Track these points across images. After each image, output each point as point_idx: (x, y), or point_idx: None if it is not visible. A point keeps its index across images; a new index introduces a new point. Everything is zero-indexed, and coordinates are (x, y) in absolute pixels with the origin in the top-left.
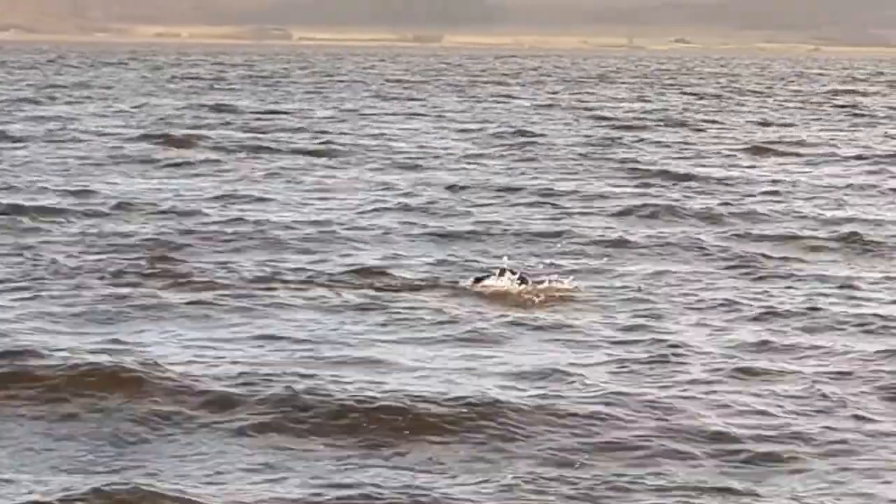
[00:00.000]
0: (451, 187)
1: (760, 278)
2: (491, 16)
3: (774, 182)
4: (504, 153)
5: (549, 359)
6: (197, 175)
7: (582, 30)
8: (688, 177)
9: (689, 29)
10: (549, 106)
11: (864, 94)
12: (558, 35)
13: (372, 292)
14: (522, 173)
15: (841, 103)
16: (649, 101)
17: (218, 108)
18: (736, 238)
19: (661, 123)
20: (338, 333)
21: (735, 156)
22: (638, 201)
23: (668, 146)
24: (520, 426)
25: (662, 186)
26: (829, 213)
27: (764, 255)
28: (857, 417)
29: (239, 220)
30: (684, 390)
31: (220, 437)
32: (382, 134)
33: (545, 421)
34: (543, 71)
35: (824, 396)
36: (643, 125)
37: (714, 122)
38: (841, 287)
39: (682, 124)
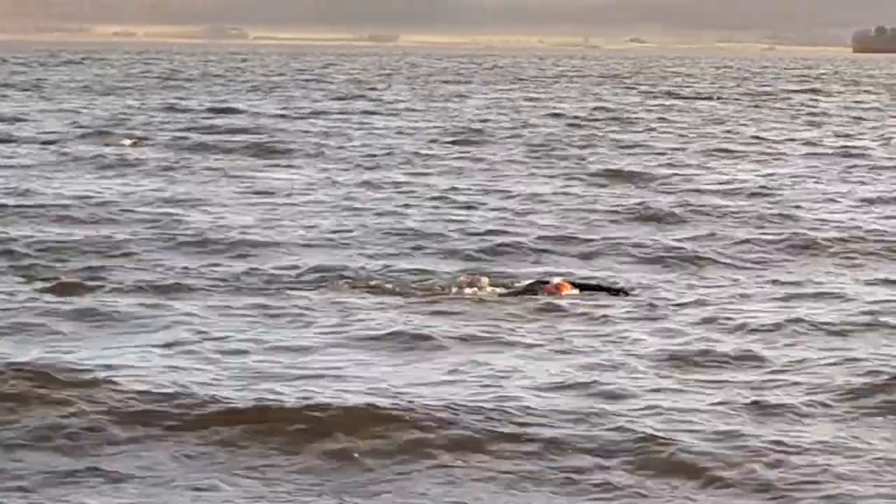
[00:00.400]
0: (400, 186)
1: (706, 279)
2: (447, 15)
3: (727, 182)
4: (456, 152)
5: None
6: (143, 175)
7: (538, 29)
8: (638, 176)
9: (644, 28)
10: (503, 105)
11: (818, 93)
12: (514, 34)
13: (316, 296)
14: (471, 172)
15: (795, 102)
16: (603, 100)
17: (169, 108)
18: (689, 240)
19: (615, 122)
20: (275, 340)
21: (688, 155)
22: (587, 200)
23: (621, 145)
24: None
25: (613, 186)
26: (777, 213)
27: (714, 256)
28: (793, 423)
29: (178, 221)
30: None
31: (151, 452)
32: (335, 133)
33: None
34: (499, 70)
35: (757, 404)
36: (595, 124)
37: (666, 120)
38: (788, 290)
39: (635, 122)
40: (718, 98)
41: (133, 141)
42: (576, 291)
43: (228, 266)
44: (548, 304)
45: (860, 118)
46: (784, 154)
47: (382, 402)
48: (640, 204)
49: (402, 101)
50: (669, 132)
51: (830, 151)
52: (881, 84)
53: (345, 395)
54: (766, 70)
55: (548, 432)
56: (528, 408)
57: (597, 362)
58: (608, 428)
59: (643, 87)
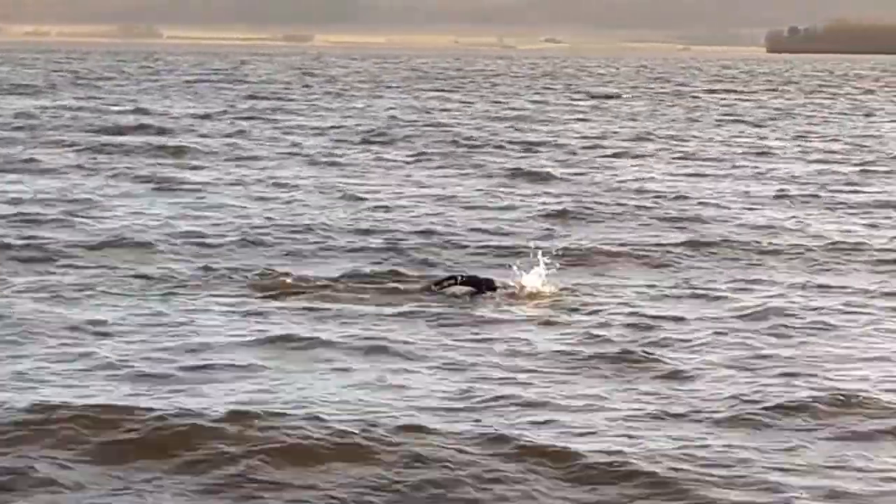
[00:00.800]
0: (306, 185)
1: (609, 279)
2: (362, 16)
3: (629, 182)
4: (364, 151)
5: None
6: (45, 176)
7: (453, 29)
8: (543, 176)
9: (559, 28)
10: (414, 105)
11: (731, 93)
12: (429, 34)
13: (209, 298)
14: (377, 172)
15: (708, 101)
16: (518, 99)
17: (74, 108)
18: (587, 241)
19: (526, 122)
20: (163, 344)
21: (597, 154)
22: (493, 200)
23: (531, 145)
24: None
25: (519, 185)
26: (680, 215)
27: (619, 256)
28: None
29: (69, 225)
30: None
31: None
32: (244, 133)
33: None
34: (413, 70)
35: (667, 413)
36: (508, 124)
37: (583, 121)
38: (691, 291)
39: (548, 122)
40: (632, 97)
41: (37, 140)
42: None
43: (129, 268)
44: (442, 307)
45: (772, 117)
46: (693, 154)
47: (249, 408)
48: (545, 203)
49: (314, 100)
50: (580, 131)
51: (741, 150)
52: (791, 83)
53: (210, 402)
54: (681, 69)
55: (417, 444)
56: (402, 415)
57: (485, 367)
58: (489, 435)
59: (556, 87)
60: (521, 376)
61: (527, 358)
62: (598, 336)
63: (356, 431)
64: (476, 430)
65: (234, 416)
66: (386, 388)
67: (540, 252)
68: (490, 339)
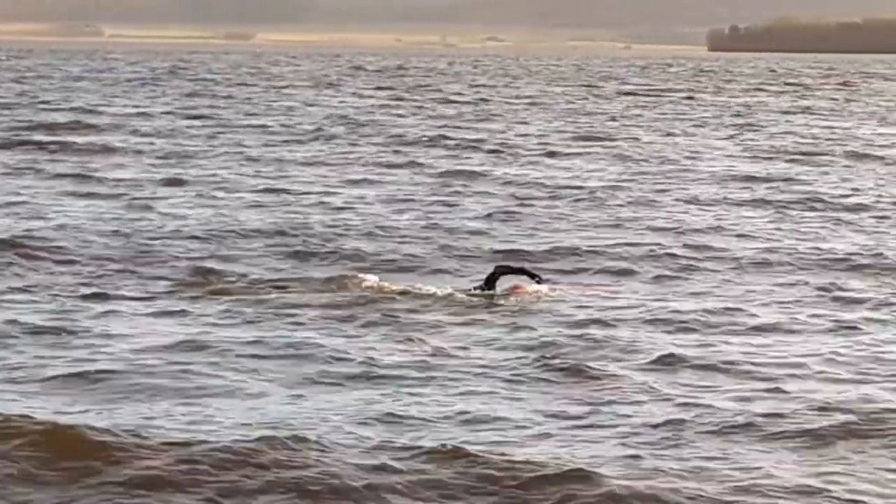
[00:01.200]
0: (232, 186)
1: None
2: (304, 14)
3: (558, 181)
4: (301, 151)
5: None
6: None
7: (396, 28)
8: (472, 174)
9: (501, 27)
10: (356, 104)
11: (665, 92)
12: (372, 33)
13: (103, 305)
14: (314, 170)
15: (641, 102)
16: (462, 97)
17: (10, 105)
18: (528, 241)
19: (471, 120)
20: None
21: (535, 152)
22: (427, 200)
23: (468, 145)
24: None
25: (457, 184)
26: (596, 218)
27: (541, 260)
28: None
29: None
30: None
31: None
32: (178, 131)
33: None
34: (354, 69)
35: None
36: (443, 121)
37: (516, 119)
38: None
39: (491, 120)
40: (568, 95)
41: None
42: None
43: (46, 268)
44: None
45: (709, 117)
46: (623, 154)
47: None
48: (477, 203)
49: (254, 99)
50: (518, 129)
51: (671, 150)
52: (724, 81)
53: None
54: (621, 68)
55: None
56: (309, 430)
57: (403, 371)
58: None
59: (497, 86)
60: (451, 384)
61: (452, 365)
62: (534, 343)
63: (252, 448)
64: (395, 443)
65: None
66: (295, 399)
67: (464, 253)
68: (410, 344)
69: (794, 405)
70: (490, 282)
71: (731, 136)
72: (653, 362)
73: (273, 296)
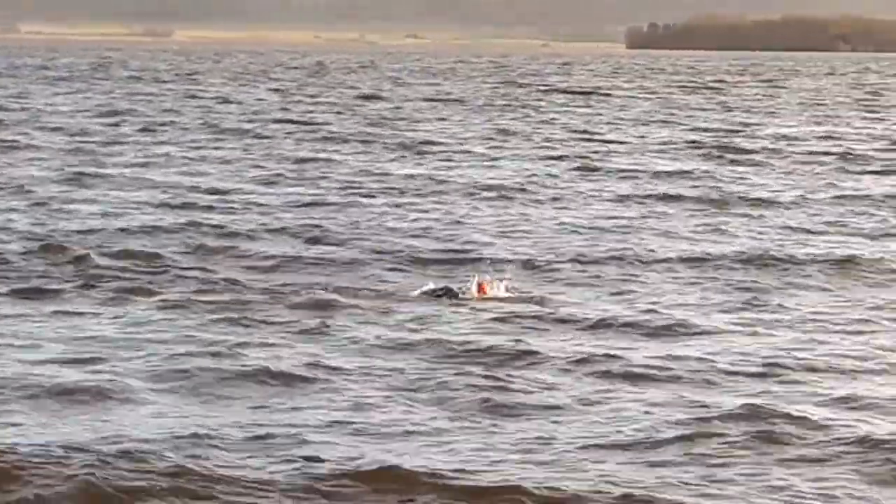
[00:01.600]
0: (121, 182)
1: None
2: (223, 11)
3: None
4: (213, 149)
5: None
6: None
7: (315, 25)
8: (386, 173)
9: (421, 24)
10: (270, 100)
11: (583, 89)
12: (291, 30)
13: None
14: (220, 168)
15: (559, 99)
16: (375, 93)
17: None
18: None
19: (387, 118)
20: None
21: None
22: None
23: (385, 142)
24: None
25: (367, 184)
26: (514, 216)
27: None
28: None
29: None
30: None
31: None
32: (91, 128)
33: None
34: (273, 66)
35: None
36: (362, 118)
37: (442, 119)
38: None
39: (407, 118)
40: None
41: None
42: None
43: None
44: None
45: (624, 116)
46: (541, 151)
47: None
48: (388, 201)
49: (170, 96)
50: (429, 128)
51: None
52: (640, 77)
53: None
54: (539, 65)
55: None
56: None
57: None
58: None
59: (416, 83)
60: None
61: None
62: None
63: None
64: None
65: None
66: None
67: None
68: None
69: (689, 412)
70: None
71: (643, 136)
72: (563, 366)
73: (168, 294)
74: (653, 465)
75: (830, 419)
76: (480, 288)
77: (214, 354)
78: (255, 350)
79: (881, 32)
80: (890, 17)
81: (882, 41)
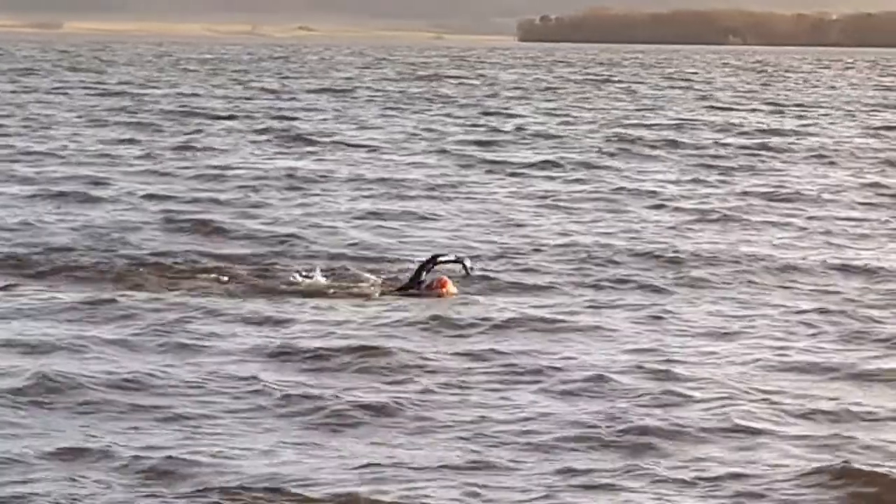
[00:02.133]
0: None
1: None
2: (113, 3)
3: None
4: (107, 144)
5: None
6: None
7: (206, 17)
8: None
9: (312, 17)
10: (164, 94)
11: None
12: (182, 22)
13: None
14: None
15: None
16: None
17: None
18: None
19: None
20: None
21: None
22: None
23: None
24: None
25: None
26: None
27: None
28: None
29: None
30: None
31: None
32: None
33: None
34: (159, 57)
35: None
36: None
37: (323, 109)
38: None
39: (292, 109)
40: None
41: None
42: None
43: None
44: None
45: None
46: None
47: None
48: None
49: (63, 87)
50: (310, 118)
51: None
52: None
53: None
54: (429, 58)
55: None
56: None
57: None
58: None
59: (304, 76)
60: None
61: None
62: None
63: None
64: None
65: None
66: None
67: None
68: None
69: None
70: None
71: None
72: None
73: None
74: (516, 476)
75: (711, 429)
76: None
77: None
78: None
79: (771, 26)
80: (779, 11)
81: (772, 35)
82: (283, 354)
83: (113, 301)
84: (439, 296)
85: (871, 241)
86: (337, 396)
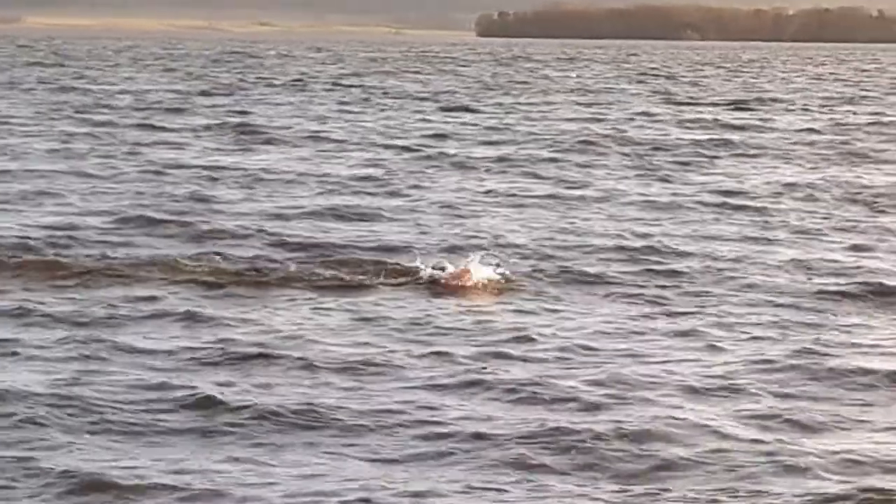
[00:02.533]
0: None
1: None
2: None
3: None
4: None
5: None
6: None
7: (164, 12)
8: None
9: (272, 12)
10: (127, 88)
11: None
12: (141, 17)
13: None
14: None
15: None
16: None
17: None
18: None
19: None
20: None
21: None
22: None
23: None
24: None
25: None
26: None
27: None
28: None
29: None
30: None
31: None
32: None
33: None
34: (117, 52)
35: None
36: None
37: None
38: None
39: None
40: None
41: None
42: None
43: None
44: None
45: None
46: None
47: None
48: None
49: (23, 84)
50: (269, 114)
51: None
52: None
53: None
54: (388, 54)
55: None
56: None
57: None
58: None
59: (262, 72)
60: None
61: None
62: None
63: None
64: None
65: None
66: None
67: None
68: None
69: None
70: None
71: (475, 121)
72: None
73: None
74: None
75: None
76: None
77: None
78: None
79: (729, 21)
80: (738, 6)
81: (730, 30)
82: (220, 357)
83: (43, 304)
84: (462, 287)
85: (824, 236)
86: (269, 399)
